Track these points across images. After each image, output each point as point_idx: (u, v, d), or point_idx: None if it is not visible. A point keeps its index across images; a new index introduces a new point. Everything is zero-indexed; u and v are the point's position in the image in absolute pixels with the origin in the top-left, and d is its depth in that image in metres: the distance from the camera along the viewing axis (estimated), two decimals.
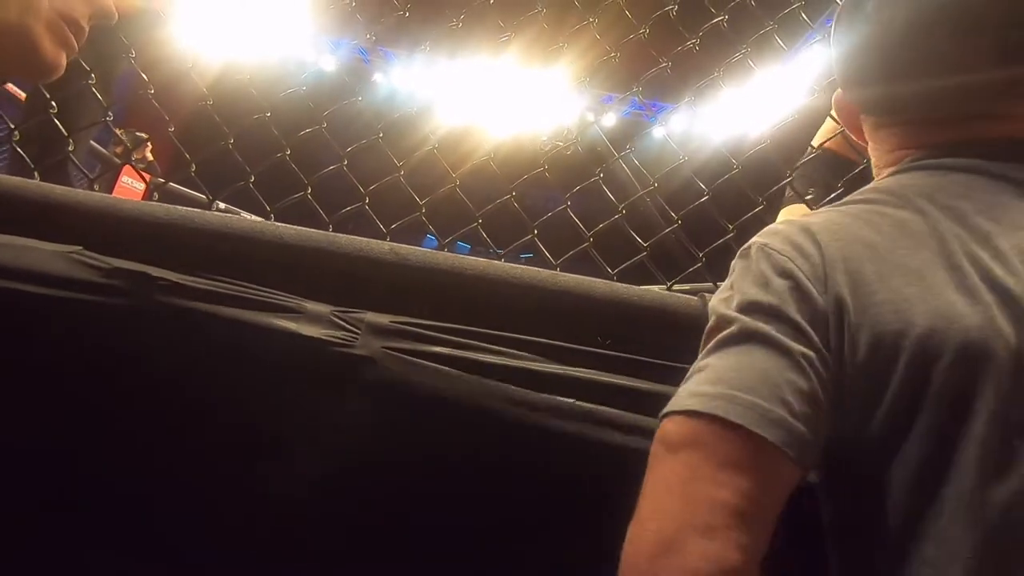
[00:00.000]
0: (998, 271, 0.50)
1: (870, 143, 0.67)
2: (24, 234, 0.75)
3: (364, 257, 0.77)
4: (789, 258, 0.54)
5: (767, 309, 0.51)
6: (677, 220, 0.84)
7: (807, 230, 0.56)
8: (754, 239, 0.59)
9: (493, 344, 0.73)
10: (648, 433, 0.57)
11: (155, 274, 0.73)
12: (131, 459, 0.70)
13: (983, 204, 0.54)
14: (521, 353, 0.73)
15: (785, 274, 0.53)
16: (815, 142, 1.01)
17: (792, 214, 0.97)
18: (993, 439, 0.46)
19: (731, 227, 0.87)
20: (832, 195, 0.89)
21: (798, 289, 0.52)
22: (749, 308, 0.52)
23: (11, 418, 0.69)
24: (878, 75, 0.63)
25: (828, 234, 0.55)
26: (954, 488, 0.47)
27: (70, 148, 0.90)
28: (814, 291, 0.52)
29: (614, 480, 0.66)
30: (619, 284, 0.79)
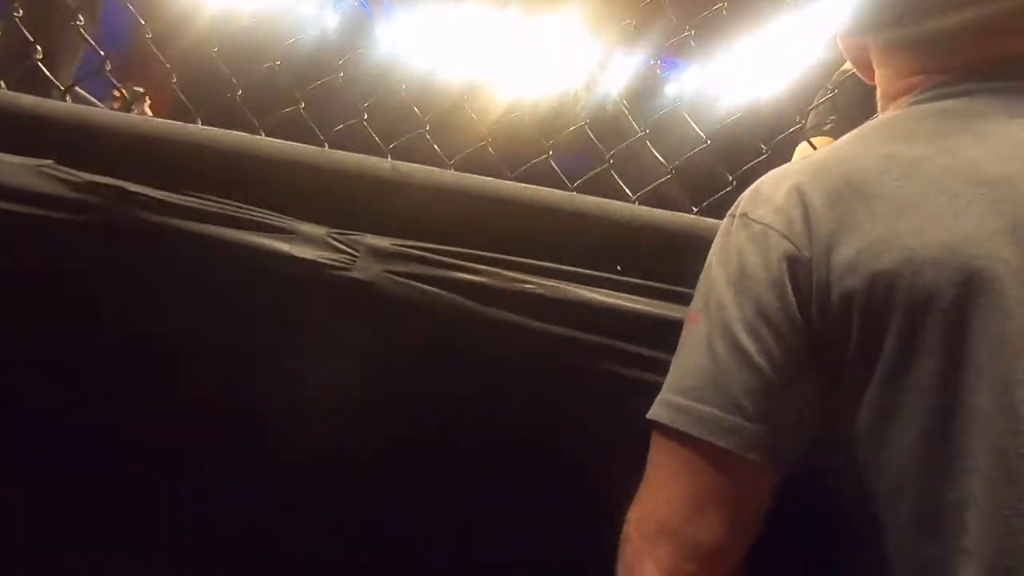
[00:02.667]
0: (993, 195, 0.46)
1: (878, 71, 0.61)
2: None
3: (363, 175, 0.70)
4: (768, 225, 0.51)
5: (735, 301, 0.51)
6: (705, 140, 0.76)
7: (794, 184, 0.52)
8: (739, 203, 0.55)
9: (503, 269, 0.66)
10: (663, 367, 0.53)
11: (132, 189, 0.67)
12: (105, 385, 0.65)
13: (984, 134, 0.50)
14: (532, 279, 0.67)
15: (762, 244, 0.51)
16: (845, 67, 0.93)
17: (808, 149, 0.90)
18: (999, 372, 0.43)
19: (765, 148, 0.79)
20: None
21: (773, 264, 0.50)
22: (718, 301, 0.52)
23: None
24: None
25: (817, 181, 0.51)
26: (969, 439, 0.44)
27: (39, 57, 0.82)
28: (795, 251, 0.49)
29: (621, 416, 0.61)
30: (643, 207, 0.72)
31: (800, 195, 0.50)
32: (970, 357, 0.44)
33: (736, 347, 0.49)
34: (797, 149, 0.93)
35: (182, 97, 0.93)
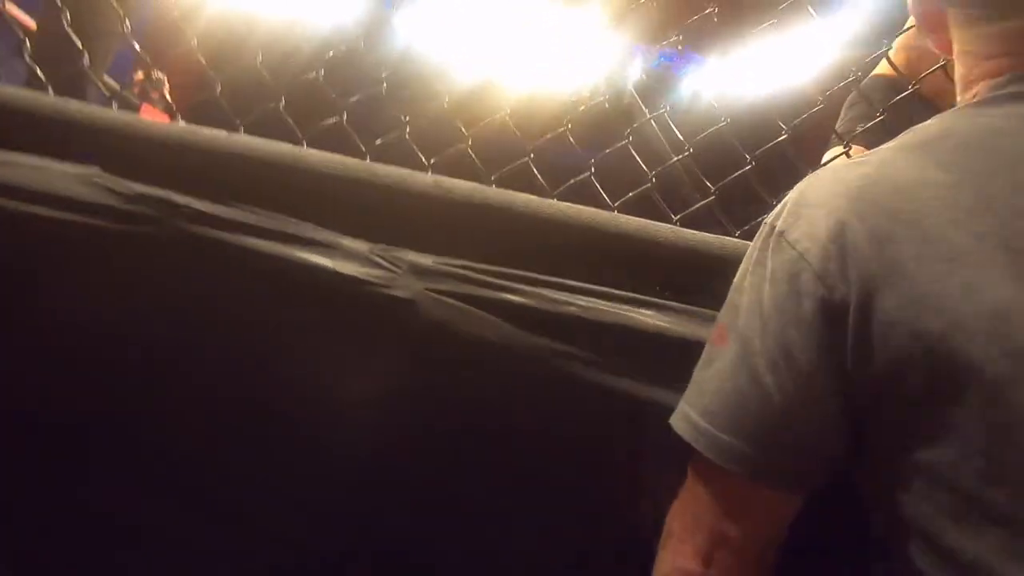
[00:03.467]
0: None
1: (957, 49, 0.54)
2: (37, 152, 0.69)
3: (406, 190, 0.70)
4: (802, 255, 0.48)
5: (760, 332, 0.50)
6: (751, 161, 0.76)
7: (838, 217, 0.47)
8: (779, 213, 0.52)
9: (546, 290, 0.66)
10: None
11: (179, 201, 0.67)
12: (148, 394, 0.66)
13: None
14: (576, 300, 0.66)
15: (794, 278, 0.49)
16: (882, 70, 0.89)
17: (838, 152, 0.85)
18: None
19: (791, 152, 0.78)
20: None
21: (803, 303, 0.48)
22: (744, 326, 0.51)
23: (25, 347, 0.65)
24: None
25: (864, 213, 0.47)
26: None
27: (86, 62, 0.83)
28: (828, 294, 0.47)
29: (660, 440, 0.61)
30: (686, 230, 0.72)
31: (842, 229, 0.47)
32: (1013, 430, 0.41)
33: (756, 381, 0.49)
34: (826, 155, 0.90)
35: (220, 100, 0.93)
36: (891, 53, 0.84)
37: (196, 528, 0.68)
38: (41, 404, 0.66)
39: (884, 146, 0.54)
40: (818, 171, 0.56)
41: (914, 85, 0.76)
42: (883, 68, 0.88)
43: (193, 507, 0.67)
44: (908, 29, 0.79)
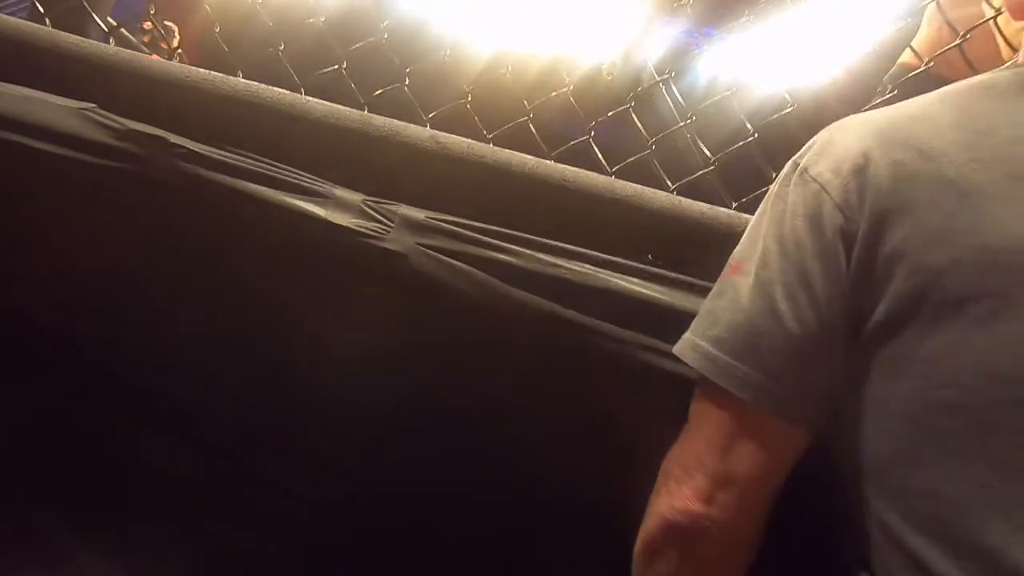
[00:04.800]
0: None
1: None
2: (34, 85, 0.69)
3: (401, 143, 0.70)
4: (824, 187, 0.50)
5: (779, 262, 0.50)
6: (753, 133, 0.75)
7: (861, 149, 0.50)
8: (805, 151, 0.54)
9: (536, 251, 0.66)
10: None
11: (173, 140, 0.67)
12: (134, 328, 0.66)
13: None
14: (563, 262, 0.66)
15: (815, 209, 0.50)
16: (907, 58, 0.88)
17: None
18: None
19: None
20: None
21: (825, 233, 0.49)
22: (763, 257, 0.51)
23: (12, 276, 0.65)
24: None
25: (887, 148, 0.49)
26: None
27: None
28: (846, 225, 0.49)
29: (648, 405, 0.61)
30: (683, 198, 0.71)
31: (865, 162, 0.49)
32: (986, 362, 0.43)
33: (772, 309, 0.50)
34: None
35: (222, 45, 0.92)
36: (921, 29, 0.83)
37: (185, 464, 0.70)
38: (26, 330, 0.67)
39: (913, 99, 0.55)
40: (846, 117, 0.56)
41: (928, 63, 0.75)
42: (907, 56, 0.87)
43: (177, 441, 0.68)
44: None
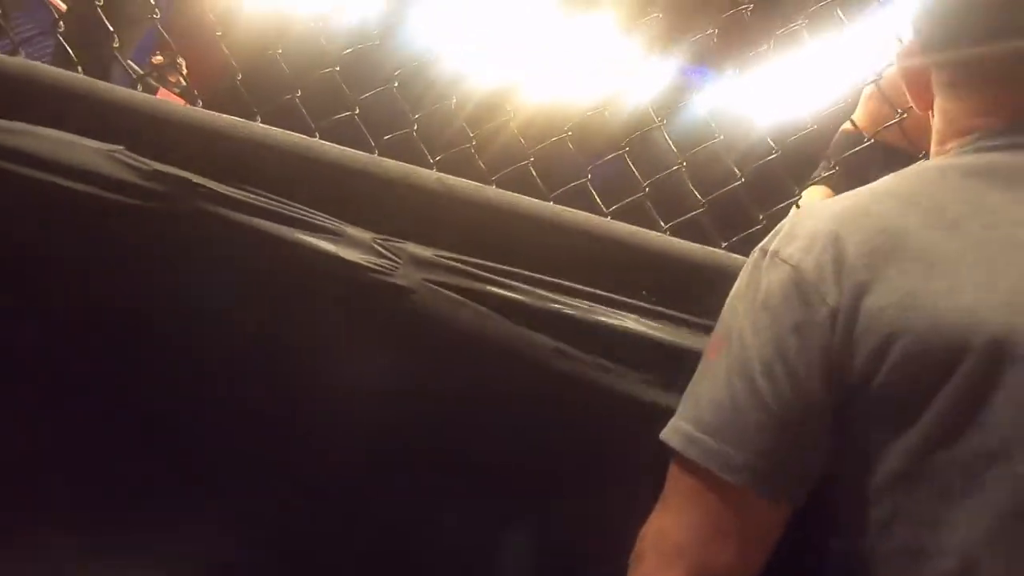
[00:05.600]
0: None
1: (938, 107, 0.59)
2: (65, 129, 0.73)
3: (409, 185, 0.74)
4: (797, 267, 0.52)
5: (755, 340, 0.52)
6: (741, 177, 0.79)
7: (829, 230, 0.52)
8: (770, 239, 0.56)
9: (538, 288, 0.69)
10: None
11: (196, 180, 0.71)
12: (156, 365, 0.69)
13: None
14: (566, 299, 0.70)
15: (789, 289, 0.52)
16: (849, 125, 0.92)
17: (815, 195, 0.90)
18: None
19: (797, 191, 0.82)
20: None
21: (797, 309, 0.51)
22: (740, 337, 0.53)
23: (39, 313, 0.68)
24: (969, 32, 0.56)
25: (854, 229, 0.52)
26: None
27: (115, 45, 0.87)
28: (822, 300, 0.50)
29: (642, 442, 0.64)
30: (675, 239, 0.75)
31: (834, 242, 0.51)
32: (991, 425, 0.46)
33: (752, 388, 0.51)
34: (805, 194, 0.94)
35: (243, 94, 0.97)
36: (861, 103, 0.89)
37: (194, 497, 0.72)
38: (49, 367, 0.70)
39: (870, 184, 0.59)
40: (808, 206, 0.60)
41: (868, 140, 0.81)
42: (848, 125, 0.92)
43: (194, 477, 0.71)
44: (873, 82, 0.84)
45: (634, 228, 0.75)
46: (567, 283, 0.70)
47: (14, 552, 0.72)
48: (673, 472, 0.54)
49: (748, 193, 0.90)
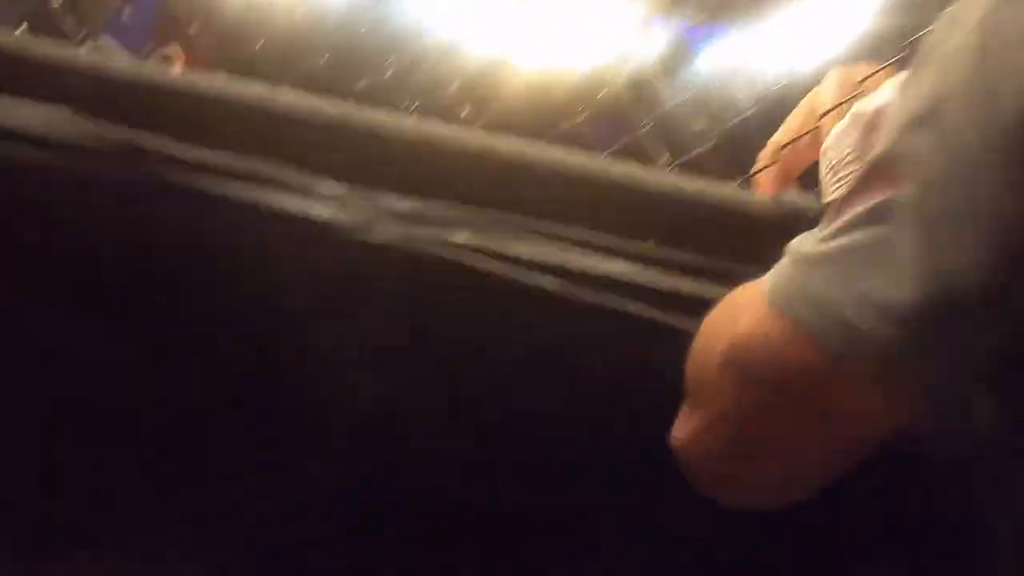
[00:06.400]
0: None
1: None
2: (5, 92, 0.67)
3: (383, 133, 0.67)
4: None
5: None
6: (755, 103, 0.71)
7: None
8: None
9: (527, 235, 0.63)
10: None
11: (149, 144, 0.65)
12: (104, 332, 0.64)
13: None
14: (554, 248, 0.63)
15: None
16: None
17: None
18: None
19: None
20: None
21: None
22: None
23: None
24: None
25: None
26: None
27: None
28: None
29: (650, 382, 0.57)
30: (679, 177, 0.68)
31: None
32: None
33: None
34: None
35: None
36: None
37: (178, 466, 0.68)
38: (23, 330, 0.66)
39: None
40: None
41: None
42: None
43: (173, 450, 0.66)
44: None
45: (634, 168, 0.68)
46: (563, 228, 0.63)
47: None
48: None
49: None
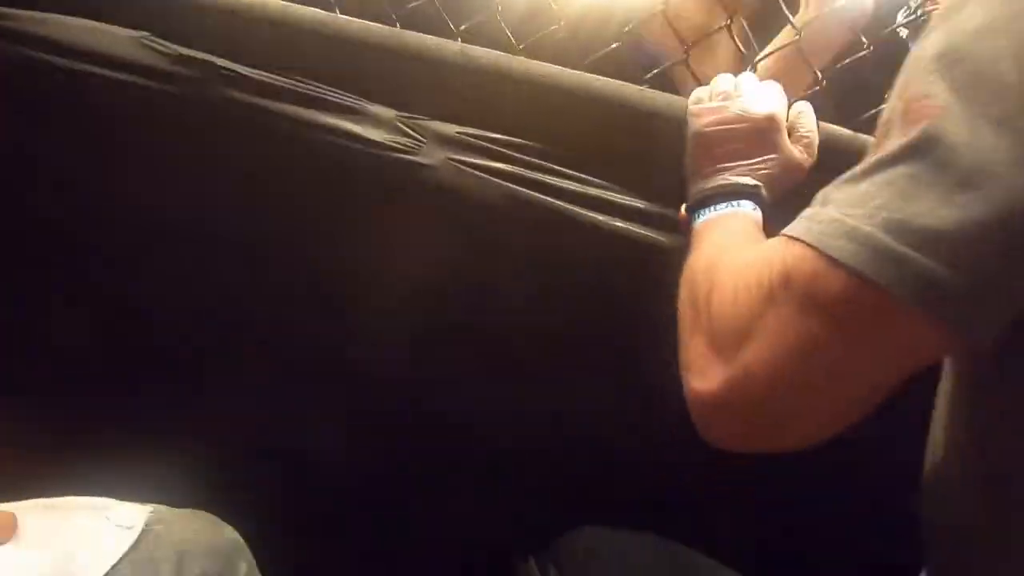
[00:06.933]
0: None
1: None
2: (91, 18, 0.73)
3: (431, 58, 0.70)
4: None
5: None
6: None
7: None
8: None
9: (567, 167, 0.66)
10: None
11: (220, 64, 0.70)
12: (183, 248, 0.73)
13: None
14: (596, 180, 0.67)
15: None
16: None
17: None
18: None
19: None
20: None
21: None
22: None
23: (69, 199, 0.72)
24: None
25: None
26: None
27: None
28: None
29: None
30: None
31: None
32: None
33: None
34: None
35: None
36: None
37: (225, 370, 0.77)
38: (79, 251, 0.75)
39: None
40: None
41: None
42: None
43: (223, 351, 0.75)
44: None
45: (673, 97, 0.69)
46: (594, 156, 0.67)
47: None
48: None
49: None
